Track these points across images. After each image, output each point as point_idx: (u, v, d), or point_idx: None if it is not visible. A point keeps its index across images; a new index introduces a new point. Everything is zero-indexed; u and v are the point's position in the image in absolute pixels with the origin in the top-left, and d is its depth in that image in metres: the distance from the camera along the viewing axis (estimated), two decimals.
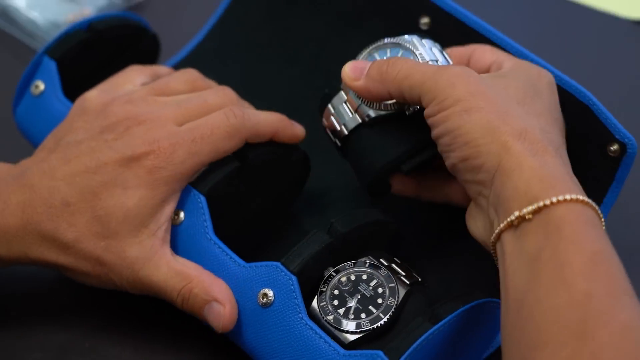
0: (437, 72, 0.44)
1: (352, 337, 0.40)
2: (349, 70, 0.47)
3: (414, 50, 0.47)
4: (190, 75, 0.52)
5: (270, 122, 0.49)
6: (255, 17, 0.61)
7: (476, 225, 0.45)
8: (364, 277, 0.43)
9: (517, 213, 0.40)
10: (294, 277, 0.41)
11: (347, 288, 0.43)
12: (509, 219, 0.40)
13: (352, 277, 0.43)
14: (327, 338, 0.40)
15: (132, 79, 0.51)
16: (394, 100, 0.45)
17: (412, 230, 0.51)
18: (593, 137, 0.47)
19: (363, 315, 0.41)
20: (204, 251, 0.44)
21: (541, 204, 0.40)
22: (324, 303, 0.42)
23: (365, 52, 0.48)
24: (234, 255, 0.43)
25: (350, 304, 0.42)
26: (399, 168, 0.46)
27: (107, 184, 0.45)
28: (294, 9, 0.59)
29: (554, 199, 0.40)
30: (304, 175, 0.50)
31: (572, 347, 0.35)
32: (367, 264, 0.43)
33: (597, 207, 0.41)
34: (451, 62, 0.48)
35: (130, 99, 0.48)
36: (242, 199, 0.48)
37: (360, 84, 0.46)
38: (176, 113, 0.47)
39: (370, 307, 0.42)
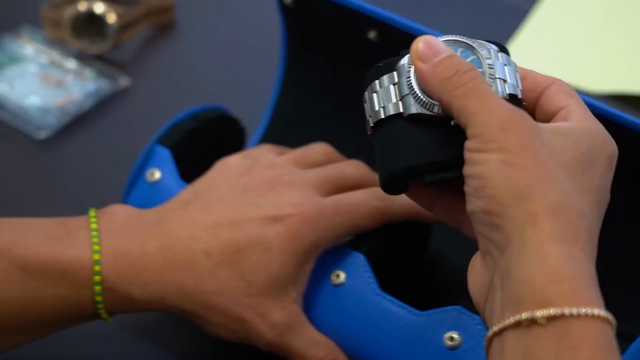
0: (495, 109, 0.40)
1: None
2: (422, 46, 0.42)
3: (485, 60, 0.43)
4: (325, 148, 0.55)
5: (410, 209, 0.50)
6: (311, 90, 0.65)
7: (475, 281, 0.42)
8: None
9: (529, 314, 0.36)
10: (478, 317, 0.43)
11: None
12: (517, 318, 0.37)
13: None
14: None
15: (266, 152, 0.53)
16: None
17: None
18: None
19: None
20: (374, 306, 0.47)
21: (559, 312, 0.37)
22: None
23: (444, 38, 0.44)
24: (407, 307, 0.45)
25: None
26: (422, 176, 0.43)
27: (250, 241, 0.46)
28: (337, 69, 0.63)
29: (575, 311, 0.36)
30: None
31: None
32: None
33: (614, 324, 0.38)
34: (520, 88, 0.44)
35: (272, 164, 0.50)
36: (389, 258, 0.51)
37: (425, 67, 0.42)
38: (317, 181, 0.49)
39: None
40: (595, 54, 0.84)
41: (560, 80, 0.46)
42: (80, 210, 0.51)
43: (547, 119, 0.44)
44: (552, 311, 0.35)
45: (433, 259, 0.55)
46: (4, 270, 0.51)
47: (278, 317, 0.46)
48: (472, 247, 0.49)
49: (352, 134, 0.60)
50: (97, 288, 0.49)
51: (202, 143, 0.58)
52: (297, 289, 0.47)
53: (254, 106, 0.68)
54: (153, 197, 0.53)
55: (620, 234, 0.52)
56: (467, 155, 0.40)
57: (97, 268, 0.49)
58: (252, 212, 0.47)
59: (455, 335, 0.43)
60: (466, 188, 0.41)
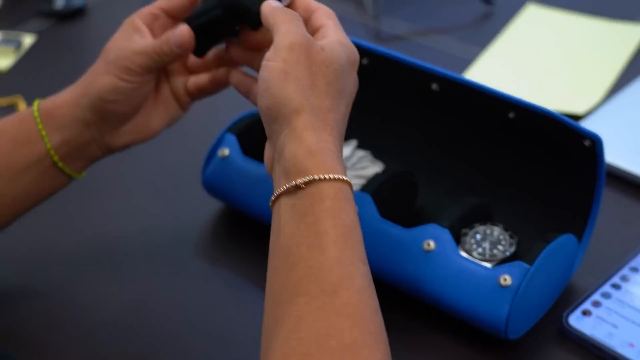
0: (292, 34, 0.55)
1: (491, 265, 0.61)
2: None
3: None
4: None
5: None
6: None
7: (266, 158, 0.56)
8: (488, 231, 0.65)
9: (293, 182, 0.50)
10: (447, 230, 0.63)
11: (479, 238, 0.65)
12: (287, 185, 0.50)
13: (481, 233, 0.65)
14: (477, 262, 0.61)
15: None
16: None
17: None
18: (569, 139, 0.65)
19: (495, 251, 0.64)
20: (378, 226, 0.66)
21: (312, 178, 0.50)
22: (468, 246, 0.64)
23: None
24: (399, 226, 0.65)
25: (484, 246, 0.65)
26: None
27: None
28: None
29: (322, 176, 0.50)
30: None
31: (322, 301, 0.45)
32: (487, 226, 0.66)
33: (351, 185, 0.52)
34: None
35: None
36: (391, 202, 0.69)
37: None
38: None
39: (498, 247, 0.65)
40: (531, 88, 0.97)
41: (323, 6, 0.61)
42: None
43: (312, 32, 0.58)
44: (307, 178, 0.49)
45: (419, 208, 0.74)
46: None
47: None
48: (442, 203, 0.73)
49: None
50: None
51: (258, 131, 0.72)
52: None
53: None
54: (224, 168, 0.74)
55: (548, 183, 0.71)
56: (263, 62, 0.55)
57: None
58: None
59: (431, 242, 0.62)
60: (257, 88, 0.56)
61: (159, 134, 0.71)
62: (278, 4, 0.60)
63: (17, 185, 0.67)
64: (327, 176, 0.50)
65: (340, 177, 0.51)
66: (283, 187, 0.50)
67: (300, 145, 0.51)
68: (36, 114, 0.66)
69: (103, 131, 0.67)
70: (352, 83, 0.58)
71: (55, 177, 0.68)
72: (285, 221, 0.50)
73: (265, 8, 0.59)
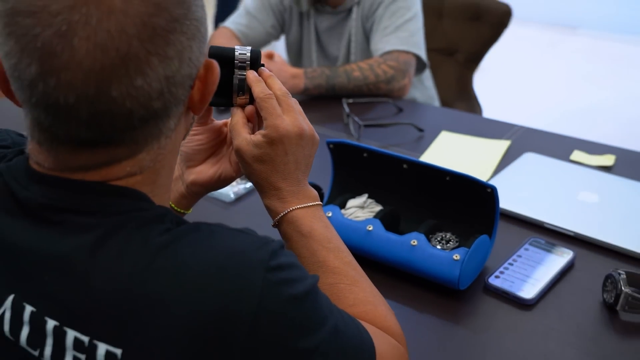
0: (285, 125, 0.70)
1: (448, 251, 0.95)
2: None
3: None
4: None
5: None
6: (352, 176, 1.06)
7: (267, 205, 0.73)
8: (443, 235, 0.97)
9: (272, 221, 0.72)
10: (422, 235, 0.95)
11: (439, 239, 0.97)
12: (306, 204, 0.71)
13: (440, 236, 0.98)
14: (440, 250, 0.93)
15: None
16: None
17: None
18: (479, 189, 0.91)
19: (448, 244, 0.96)
20: (384, 235, 0.96)
21: (281, 215, 0.71)
22: (434, 243, 0.96)
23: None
24: (396, 234, 0.98)
25: (442, 243, 0.96)
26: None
27: None
28: (355, 170, 1.06)
29: (285, 212, 0.71)
30: None
31: (348, 288, 0.69)
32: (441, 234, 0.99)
33: (315, 204, 0.72)
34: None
35: None
36: (390, 223, 1.03)
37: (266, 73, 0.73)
38: None
39: (450, 243, 0.96)
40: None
41: (275, 90, 0.72)
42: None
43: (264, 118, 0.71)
44: (279, 217, 0.71)
45: (401, 227, 1.01)
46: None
47: None
48: (414, 223, 0.99)
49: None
50: None
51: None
52: None
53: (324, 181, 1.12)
54: None
55: (473, 211, 0.96)
56: (253, 145, 0.70)
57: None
58: None
59: (415, 241, 0.93)
60: (241, 161, 0.72)
61: (214, 181, 0.79)
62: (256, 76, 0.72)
63: None
64: (289, 209, 0.71)
65: (317, 203, 0.74)
66: (299, 205, 0.71)
67: (271, 199, 0.73)
68: None
69: (182, 169, 0.80)
70: (306, 154, 0.73)
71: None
72: (289, 234, 0.72)
73: (249, 75, 0.72)
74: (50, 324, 0.51)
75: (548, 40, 4.34)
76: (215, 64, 0.58)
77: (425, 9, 2.18)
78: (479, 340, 0.87)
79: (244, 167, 0.73)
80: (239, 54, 0.72)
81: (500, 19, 2.14)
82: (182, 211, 0.81)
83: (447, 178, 0.97)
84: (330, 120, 1.49)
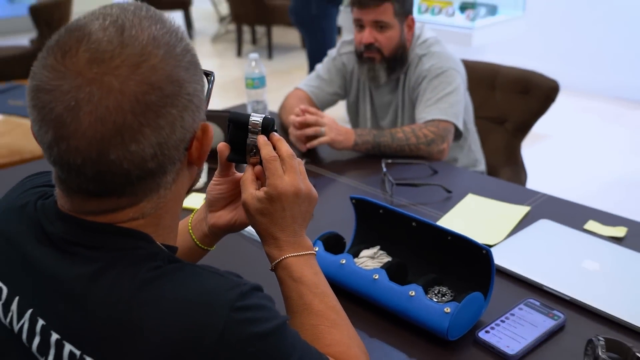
0: (284, 185, 0.72)
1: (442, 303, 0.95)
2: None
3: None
4: None
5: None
6: (371, 229, 1.11)
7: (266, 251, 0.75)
8: (439, 289, 0.99)
9: (271, 265, 0.73)
10: (420, 287, 0.97)
11: (436, 292, 0.98)
12: (300, 253, 0.73)
13: (436, 290, 0.99)
14: (435, 302, 0.94)
15: None
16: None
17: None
18: (476, 250, 0.93)
19: (443, 298, 0.97)
20: (388, 285, 0.99)
21: (277, 261, 0.73)
22: (430, 295, 0.98)
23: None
24: (398, 285, 0.99)
25: (438, 296, 0.98)
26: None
27: None
28: (372, 222, 1.10)
29: (281, 258, 0.73)
30: None
31: (327, 330, 0.70)
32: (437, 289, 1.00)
33: (311, 253, 0.73)
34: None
35: None
36: (394, 276, 1.04)
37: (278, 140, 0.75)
38: None
39: (445, 297, 0.97)
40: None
41: (283, 155, 0.75)
42: None
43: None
44: (275, 262, 0.74)
45: (409, 278, 1.02)
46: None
47: None
48: (417, 276, 1.01)
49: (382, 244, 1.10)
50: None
51: (334, 240, 1.07)
52: None
53: (348, 231, 1.12)
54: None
55: (470, 269, 0.97)
56: (256, 200, 0.73)
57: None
58: None
59: (413, 292, 0.95)
60: (246, 212, 0.75)
61: (230, 225, 0.82)
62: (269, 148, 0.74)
63: (186, 253, 0.84)
64: (283, 257, 0.73)
65: (312, 252, 0.76)
66: (293, 254, 0.73)
67: (270, 248, 0.74)
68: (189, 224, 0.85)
69: (206, 212, 0.84)
70: (303, 210, 0.75)
71: (198, 251, 0.85)
72: (283, 282, 0.74)
73: (260, 140, 0.75)
74: (54, 337, 0.57)
75: (614, 112, 4.18)
76: (209, 127, 0.63)
77: (479, 81, 2.23)
78: None
79: (248, 218, 0.77)
80: (252, 120, 0.76)
81: (548, 94, 2.12)
82: (205, 248, 0.85)
83: (449, 237, 0.99)
84: (369, 177, 1.53)
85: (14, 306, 0.61)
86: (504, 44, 4.12)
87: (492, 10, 3.70)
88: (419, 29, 1.83)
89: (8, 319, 0.61)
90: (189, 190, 0.69)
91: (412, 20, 1.78)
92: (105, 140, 0.53)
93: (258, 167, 0.77)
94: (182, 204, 0.68)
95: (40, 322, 0.59)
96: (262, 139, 0.76)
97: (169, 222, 0.64)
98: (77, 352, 0.56)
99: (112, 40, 0.54)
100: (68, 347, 0.56)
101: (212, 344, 0.53)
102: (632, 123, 3.97)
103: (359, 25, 1.74)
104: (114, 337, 0.54)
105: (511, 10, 3.84)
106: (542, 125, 2.41)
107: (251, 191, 0.74)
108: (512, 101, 2.19)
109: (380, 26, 1.71)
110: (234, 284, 0.58)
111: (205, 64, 0.65)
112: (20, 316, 0.60)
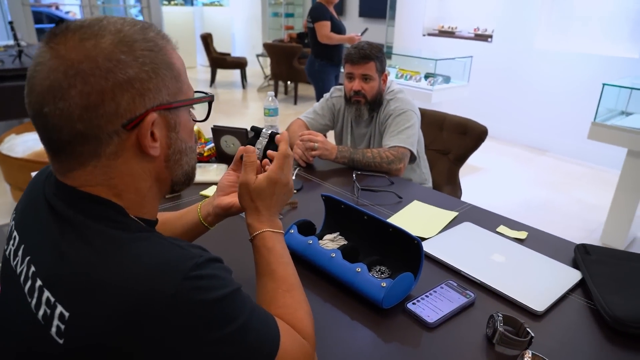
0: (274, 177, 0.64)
1: (380, 279, 0.83)
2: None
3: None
4: None
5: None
6: (335, 219, 0.96)
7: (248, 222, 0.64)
8: (380, 268, 0.86)
9: (251, 235, 0.62)
10: (365, 265, 0.84)
11: (377, 270, 0.86)
12: (250, 238, 0.63)
13: (377, 269, 0.87)
14: (375, 278, 0.82)
15: None
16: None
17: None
18: (410, 240, 0.80)
19: (382, 275, 0.85)
20: (348, 266, 0.86)
21: (257, 233, 0.63)
22: (372, 272, 0.85)
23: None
24: (348, 262, 0.87)
25: (378, 273, 0.85)
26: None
27: None
28: (336, 214, 0.98)
29: (260, 231, 0.63)
30: None
31: (282, 293, 0.60)
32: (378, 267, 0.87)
33: (280, 232, 0.63)
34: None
35: None
36: (352, 256, 0.91)
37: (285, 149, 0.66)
38: None
39: (383, 274, 0.85)
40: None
41: (282, 151, 0.65)
42: None
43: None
44: (255, 234, 0.63)
45: (359, 258, 0.91)
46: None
47: None
48: (364, 257, 0.89)
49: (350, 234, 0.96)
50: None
51: (306, 226, 0.96)
52: None
53: (320, 220, 1.00)
54: (287, 239, 0.94)
55: (405, 254, 0.85)
56: (256, 180, 0.64)
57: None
58: None
59: (359, 268, 0.83)
60: (242, 189, 0.64)
61: (227, 209, 0.72)
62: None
63: (185, 230, 0.74)
64: (261, 231, 0.63)
65: (269, 230, 0.64)
66: (268, 229, 0.63)
67: (252, 222, 0.64)
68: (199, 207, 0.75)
69: (215, 195, 0.74)
70: (276, 193, 0.65)
71: (201, 227, 0.75)
72: (257, 249, 0.63)
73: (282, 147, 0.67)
74: (38, 282, 0.48)
75: (525, 156, 4.01)
76: (146, 126, 0.49)
77: (432, 123, 2.11)
78: (388, 347, 0.74)
79: (242, 195, 0.65)
80: (264, 131, 0.73)
81: (479, 135, 2.00)
82: (206, 225, 0.74)
83: (390, 229, 0.87)
84: (343, 184, 1.41)
85: (20, 252, 0.51)
86: (453, 102, 4.07)
87: (447, 79, 3.72)
88: (389, 82, 1.72)
89: (15, 262, 0.52)
90: (172, 192, 0.57)
91: (386, 76, 1.68)
92: (43, 94, 0.46)
93: (257, 163, 0.69)
94: (147, 184, 0.52)
95: (32, 268, 0.49)
96: (284, 136, 0.68)
97: (134, 197, 0.51)
98: (52, 299, 0.45)
99: (89, 25, 0.47)
100: (46, 294, 0.46)
101: (162, 308, 0.43)
102: (537, 165, 3.81)
103: (350, 77, 1.64)
104: (80, 290, 0.44)
105: (459, 80, 3.84)
106: (475, 160, 2.30)
107: (252, 175, 0.66)
108: (454, 139, 2.08)
109: (365, 78, 1.62)
110: (191, 255, 0.47)
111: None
112: (22, 262, 0.51)
